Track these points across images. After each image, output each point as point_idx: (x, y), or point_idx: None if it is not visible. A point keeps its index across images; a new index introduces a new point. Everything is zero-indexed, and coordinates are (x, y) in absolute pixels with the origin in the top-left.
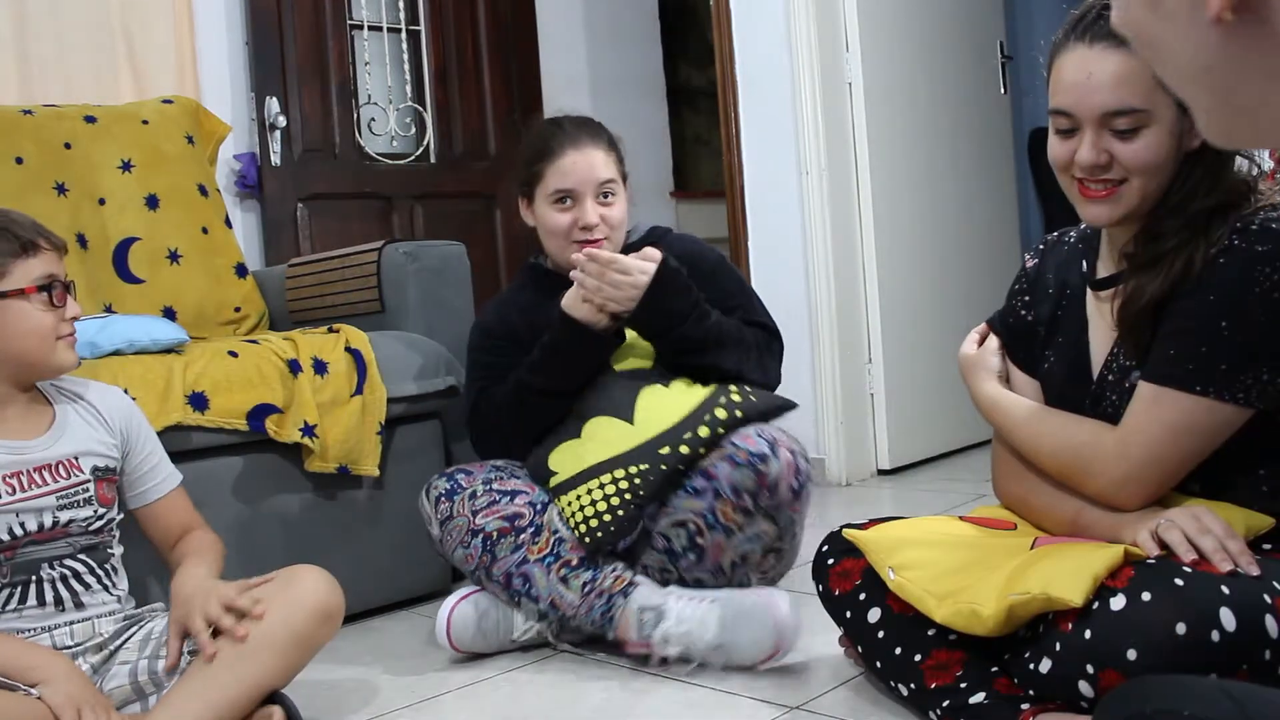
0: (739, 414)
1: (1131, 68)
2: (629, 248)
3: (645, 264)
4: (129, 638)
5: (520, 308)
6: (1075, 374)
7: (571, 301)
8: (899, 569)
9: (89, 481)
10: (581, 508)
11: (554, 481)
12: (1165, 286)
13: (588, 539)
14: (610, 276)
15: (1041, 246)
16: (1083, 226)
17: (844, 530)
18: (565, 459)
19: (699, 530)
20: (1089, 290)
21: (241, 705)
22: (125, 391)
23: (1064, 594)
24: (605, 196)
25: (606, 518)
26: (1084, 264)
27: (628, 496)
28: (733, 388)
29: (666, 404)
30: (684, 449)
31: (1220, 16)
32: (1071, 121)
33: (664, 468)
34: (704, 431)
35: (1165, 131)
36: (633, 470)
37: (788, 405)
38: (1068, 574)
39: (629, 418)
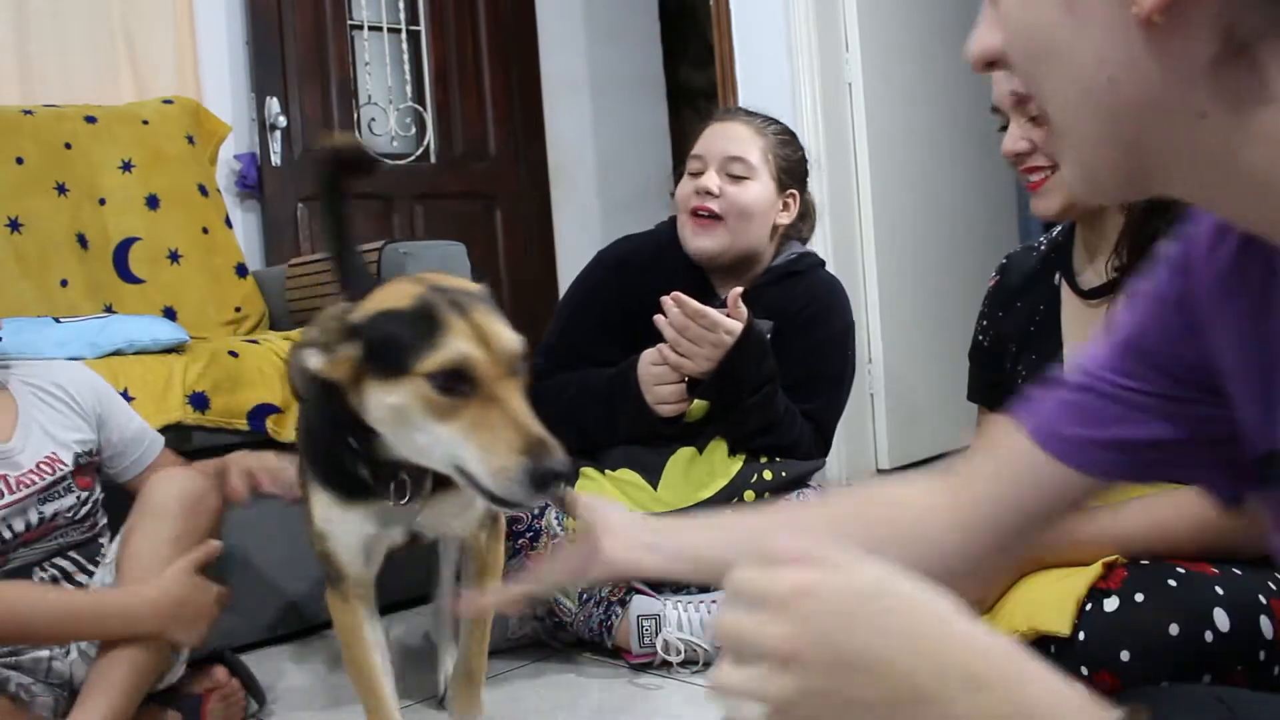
0: (768, 496)
1: None
2: (770, 270)
3: (733, 323)
4: None
5: (645, 272)
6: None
7: (647, 362)
8: None
9: (69, 473)
10: None
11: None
12: None
13: None
14: (694, 329)
15: (1005, 261)
16: (1054, 233)
17: None
18: (588, 479)
19: None
20: (1072, 296)
21: (173, 560)
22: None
23: (1050, 627)
24: (734, 175)
25: None
26: (1057, 274)
27: None
28: (764, 460)
29: (694, 478)
30: None
31: (1150, 17)
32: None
33: None
34: None
35: None
36: None
37: (817, 468)
38: (1050, 604)
39: (653, 481)
